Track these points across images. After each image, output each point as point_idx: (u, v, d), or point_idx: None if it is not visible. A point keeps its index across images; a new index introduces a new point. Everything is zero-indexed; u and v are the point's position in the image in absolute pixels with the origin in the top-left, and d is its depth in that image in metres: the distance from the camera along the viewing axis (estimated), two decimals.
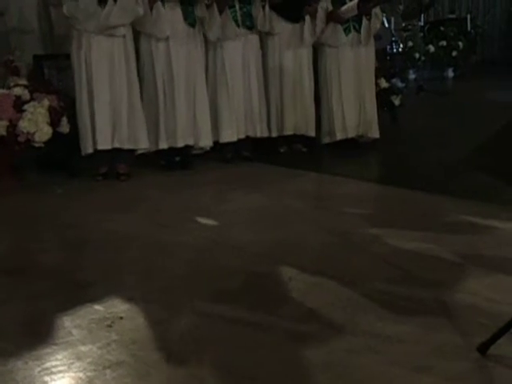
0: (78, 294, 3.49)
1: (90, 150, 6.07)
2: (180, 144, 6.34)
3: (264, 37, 6.91)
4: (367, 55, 7.15)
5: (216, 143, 6.63)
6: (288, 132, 7.00)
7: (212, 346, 2.86)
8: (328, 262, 3.91)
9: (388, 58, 10.04)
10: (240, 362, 2.71)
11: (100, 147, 6.02)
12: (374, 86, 7.32)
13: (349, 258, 3.98)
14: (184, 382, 2.56)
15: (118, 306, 3.30)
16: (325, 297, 3.37)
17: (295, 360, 2.73)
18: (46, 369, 2.68)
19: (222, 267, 3.84)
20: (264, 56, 6.91)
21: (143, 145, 6.23)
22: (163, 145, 6.32)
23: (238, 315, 3.19)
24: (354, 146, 7.09)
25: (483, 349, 2.70)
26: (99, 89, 5.98)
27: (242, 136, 6.75)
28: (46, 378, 2.61)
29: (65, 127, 6.05)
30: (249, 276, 3.70)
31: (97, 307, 3.29)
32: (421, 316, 3.10)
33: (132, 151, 6.24)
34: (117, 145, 6.08)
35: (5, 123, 5.71)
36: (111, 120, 6.05)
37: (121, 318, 3.16)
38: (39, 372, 2.66)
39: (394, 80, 8.37)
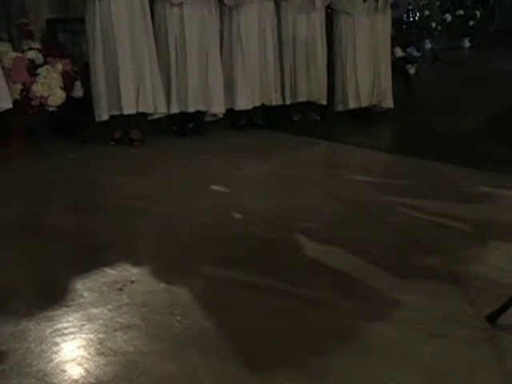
0: (89, 257, 3.52)
1: (105, 117, 6.06)
2: (191, 109, 6.32)
3: (278, 2, 6.85)
4: (383, 24, 7.08)
5: (229, 110, 6.61)
6: (301, 99, 6.95)
7: (222, 311, 2.88)
8: (339, 229, 3.92)
9: (404, 26, 9.93)
10: (249, 327, 2.73)
11: (126, 112, 6.01)
12: (389, 55, 7.25)
13: (359, 226, 3.98)
14: (194, 346, 2.58)
15: (129, 270, 3.32)
16: (335, 264, 3.37)
17: (304, 326, 2.74)
18: (58, 330, 2.70)
19: (234, 233, 3.85)
20: (278, 22, 6.85)
21: (163, 109, 6.22)
22: (174, 109, 6.31)
23: (249, 281, 3.20)
24: (367, 115, 7.05)
25: (493, 318, 2.70)
26: (122, 54, 5.93)
27: (257, 104, 6.72)
28: (58, 339, 2.63)
29: (78, 92, 6.05)
30: (260, 242, 3.70)
31: (108, 270, 3.31)
32: (431, 284, 3.10)
33: (145, 117, 6.23)
34: (142, 109, 6.07)
35: (18, 87, 5.72)
36: (136, 85, 6.03)
37: (132, 281, 3.17)
38: (51, 333, 2.68)
39: (409, 49, 8.29)
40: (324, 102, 7.02)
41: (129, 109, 6.01)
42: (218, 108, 6.48)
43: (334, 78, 7.06)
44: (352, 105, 6.95)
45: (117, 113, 6.02)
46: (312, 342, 2.61)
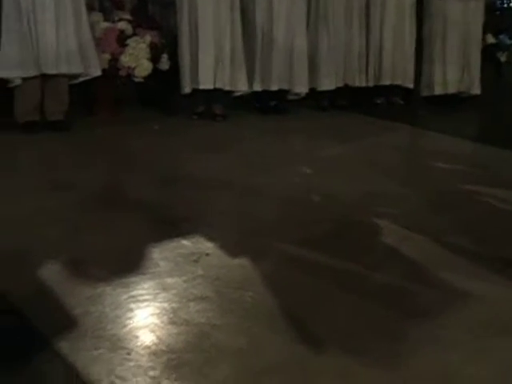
0: (166, 229, 3.56)
1: (188, 90, 6.13)
2: (274, 88, 6.32)
3: None
4: (476, 9, 6.92)
5: (312, 90, 6.58)
6: (385, 82, 6.86)
7: (294, 290, 2.87)
8: (417, 216, 3.86)
9: (497, 12, 9.67)
10: (321, 309, 2.71)
11: (202, 87, 6.06)
12: (480, 42, 7.08)
13: (439, 214, 3.91)
14: (265, 323, 2.59)
15: (205, 243, 3.34)
16: (413, 251, 3.33)
17: (376, 311, 2.72)
18: (133, 296, 2.75)
19: (311, 214, 3.84)
20: (366, 2, 6.76)
21: (242, 87, 6.23)
22: (257, 87, 6.32)
23: (323, 262, 3.18)
24: (453, 101, 6.91)
25: None
26: (204, 28, 5.99)
27: (340, 84, 6.67)
28: (132, 306, 2.68)
29: (165, 64, 6.11)
30: (336, 224, 3.68)
31: (184, 242, 3.34)
32: (510, 277, 3.03)
33: (229, 92, 6.27)
34: (218, 85, 6.11)
35: (107, 56, 5.83)
36: (214, 60, 6.07)
37: (207, 254, 3.20)
38: (126, 299, 2.74)
39: (501, 36, 8.08)
40: (410, 85, 6.90)
41: (206, 84, 6.05)
42: (301, 87, 6.45)
43: (421, 62, 6.93)
44: (438, 90, 6.83)
45: (196, 87, 6.08)
46: (383, 327, 2.58)
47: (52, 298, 2.73)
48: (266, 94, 6.42)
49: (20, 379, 2.15)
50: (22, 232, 3.45)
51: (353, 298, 2.81)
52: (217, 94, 6.20)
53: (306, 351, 2.38)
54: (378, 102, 7.02)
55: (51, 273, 2.97)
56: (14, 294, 2.72)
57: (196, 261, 3.13)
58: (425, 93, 6.92)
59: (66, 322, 2.52)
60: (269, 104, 6.51)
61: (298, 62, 6.38)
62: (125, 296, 2.76)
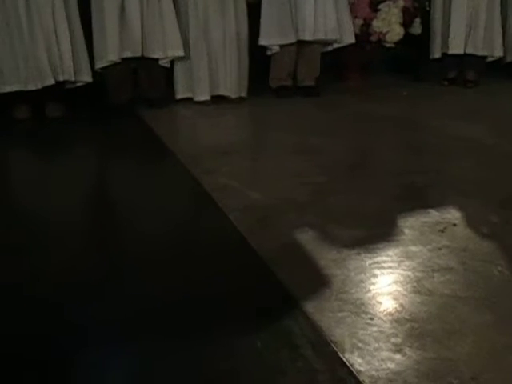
0: (413, 196, 3.54)
1: (438, 55, 6.03)
2: None
3: None
4: None
5: None
6: None
7: None
8: None
9: None
10: None
11: (452, 51, 5.93)
12: None
13: None
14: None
15: (452, 213, 3.27)
16: None
17: None
18: (377, 263, 2.77)
19: None
20: None
21: (498, 52, 5.99)
22: None
23: None
24: None
25: None
26: None
27: None
28: (377, 272, 2.70)
29: (417, 29, 6.03)
30: None
31: (431, 211, 3.30)
32: None
33: (482, 58, 6.04)
34: (469, 50, 5.93)
35: (360, 22, 5.85)
36: (467, 24, 5.89)
37: (454, 224, 3.13)
38: (370, 264, 2.76)
39: None
40: None
41: (456, 49, 5.90)
42: None
43: None
44: None
45: (446, 51, 5.95)
46: None
47: (299, 259, 2.84)
48: None
49: (266, 335, 2.26)
50: (270, 193, 3.59)
51: None
52: (469, 60, 6.01)
53: None
54: None
55: (298, 234, 3.07)
56: (264, 253, 2.85)
57: (442, 231, 3.08)
58: None
59: (312, 283, 2.60)
60: None
61: None
62: (369, 261, 2.78)
